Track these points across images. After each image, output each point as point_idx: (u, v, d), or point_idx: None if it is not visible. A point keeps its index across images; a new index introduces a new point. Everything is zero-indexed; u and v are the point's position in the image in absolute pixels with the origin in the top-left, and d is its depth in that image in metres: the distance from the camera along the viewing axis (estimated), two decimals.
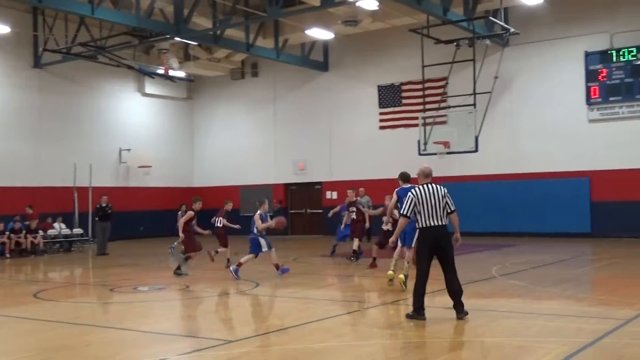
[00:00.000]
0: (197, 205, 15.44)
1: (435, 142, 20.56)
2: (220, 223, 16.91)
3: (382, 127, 27.14)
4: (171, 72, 26.58)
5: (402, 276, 11.64)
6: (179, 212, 21.15)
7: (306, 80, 28.97)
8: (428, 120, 21.24)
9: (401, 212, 9.14)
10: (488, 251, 18.83)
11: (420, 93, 22.61)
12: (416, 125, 21.96)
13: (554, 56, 23.63)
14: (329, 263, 17.57)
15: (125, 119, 29.45)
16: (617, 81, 22.47)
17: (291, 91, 29.62)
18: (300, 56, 27.55)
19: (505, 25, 21.53)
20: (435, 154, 20.65)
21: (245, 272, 14.41)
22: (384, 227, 14.65)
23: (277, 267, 14.42)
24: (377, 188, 25.52)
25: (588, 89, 22.92)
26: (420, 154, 21.02)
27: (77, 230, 24.70)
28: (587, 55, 22.92)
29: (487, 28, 22.85)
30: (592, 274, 14.92)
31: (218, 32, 23.58)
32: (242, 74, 30.81)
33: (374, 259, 15.31)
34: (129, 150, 28.93)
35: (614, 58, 22.51)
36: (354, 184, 24.95)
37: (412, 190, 9.02)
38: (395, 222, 12.11)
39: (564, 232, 22.75)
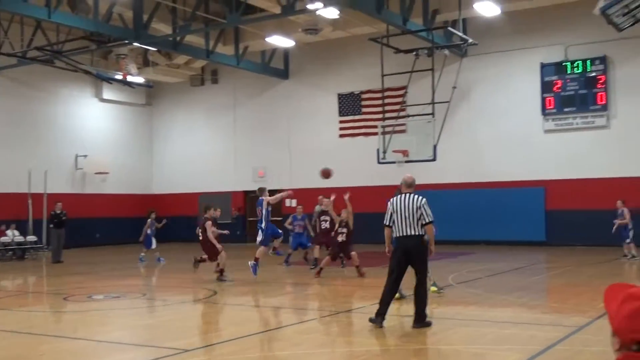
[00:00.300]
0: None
1: (394, 151, 20.69)
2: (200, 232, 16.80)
3: (342, 136, 27.25)
4: (129, 78, 26.31)
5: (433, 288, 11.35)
6: (149, 220, 20.85)
7: (266, 87, 28.95)
8: (387, 129, 21.38)
9: (384, 223, 9.12)
10: (445, 259, 18.99)
11: (379, 102, 22.76)
12: (376, 133, 22.10)
13: (511, 67, 24.03)
14: (288, 271, 17.54)
15: (82, 125, 29.02)
16: (572, 92, 22.94)
17: (251, 98, 29.56)
18: (260, 63, 27.52)
19: (464, 36, 21.82)
20: (394, 162, 20.79)
21: (205, 281, 14.29)
22: (339, 239, 14.82)
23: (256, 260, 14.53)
24: (337, 196, 25.60)
25: (543, 99, 23.36)
26: (379, 163, 21.15)
27: (31, 238, 24.18)
28: (543, 66, 23.36)
29: (446, 38, 23.14)
30: (546, 282, 15.17)
31: (178, 38, 23.43)
32: (201, 80, 30.64)
33: (321, 268, 15.21)
34: (85, 156, 28.49)
35: (569, 70, 22.99)
36: (313, 192, 24.97)
37: (390, 200, 9.09)
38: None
39: (520, 241, 23.10)
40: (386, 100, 22.37)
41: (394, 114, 22.68)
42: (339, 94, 27.22)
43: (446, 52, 22.02)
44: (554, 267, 17.62)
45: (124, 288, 14.13)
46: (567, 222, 22.80)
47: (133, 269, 18.95)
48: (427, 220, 8.86)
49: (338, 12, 20.36)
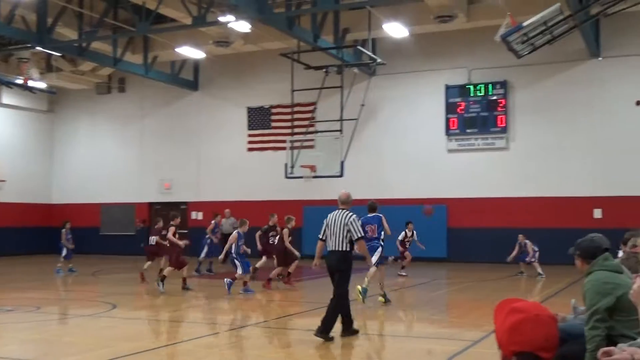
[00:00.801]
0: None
1: (302, 166, 20.77)
2: (153, 241, 16.51)
3: (250, 149, 27.16)
4: (31, 83, 25.36)
5: (359, 287, 12.13)
6: (63, 230, 20.09)
7: (175, 98, 28.53)
8: (296, 144, 21.47)
9: (318, 236, 9.36)
10: (354, 274, 19.16)
11: (289, 117, 22.85)
12: (284, 148, 22.13)
13: (417, 87, 24.66)
14: (195, 284, 17.23)
15: None
16: (474, 114, 23.76)
17: (159, 109, 29.05)
18: (169, 74, 27.12)
19: (373, 55, 22.25)
20: (301, 177, 20.88)
21: (105, 294, 13.84)
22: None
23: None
24: (245, 210, 25.46)
25: (447, 120, 24.08)
26: (287, 177, 21.19)
27: None
28: (448, 88, 24.10)
29: (356, 57, 23.52)
30: (446, 297, 15.56)
31: (84, 44, 22.78)
32: (108, 88, 29.87)
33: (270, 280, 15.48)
34: None
35: (472, 92, 23.83)
36: (220, 205, 24.75)
37: (328, 215, 9.25)
38: None
39: (423, 257, 23.55)
40: (295, 116, 22.49)
41: (303, 129, 22.82)
42: (248, 108, 27.15)
43: (355, 70, 22.40)
44: (454, 283, 18.12)
45: (18, 301, 13.51)
46: (467, 239, 23.51)
47: (29, 281, 18.17)
48: (356, 237, 9.04)
49: (250, 26, 20.37)
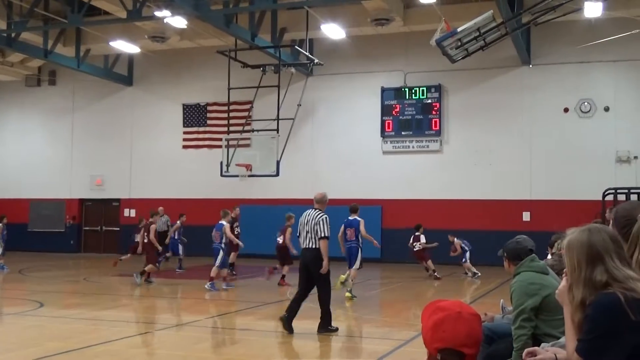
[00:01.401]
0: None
1: (237, 165, 20.61)
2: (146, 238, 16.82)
3: (185, 147, 26.82)
4: None
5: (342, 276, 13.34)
6: (0, 225, 19.42)
7: (108, 93, 27.93)
8: (232, 142, 21.29)
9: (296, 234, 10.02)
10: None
11: (225, 115, 22.64)
12: (220, 146, 21.92)
13: (354, 89, 24.85)
14: (123, 283, 16.93)
15: None
16: (409, 117, 24.10)
17: (91, 103, 28.38)
18: (103, 68, 26.51)
19: (310, 56, 22.29)
20: (237, 176, 20.73)
21: (33, 292, 13.46)
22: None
23: (211, 279, 14.69)
24: (178, 207, 25.15)
25: (383, 122, 24.34)
26: (222, 175, 20.99)
27: None
28: (384, 90, 24.36)
29: (293, 57, 23.52)
30: (379, 297, 15.74)
31: (13, 34, 22.06)
32: (38, 81, 29.00)
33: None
34: None
35: (407, 95, 24.16)
36: (154, 203, 24.37)
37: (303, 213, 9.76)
38: None
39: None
40: (232, 114, 22.30)
41: (239, 128, 22.66)
42: (184, 105, 26.81)
43: (292, 70, 22.37)
44: (387, 283, 18.35)
45: None
46: (400, 240, 23.79)
47: None
48: (320, 235, 9.44)
49: (186, 22, 20.13)
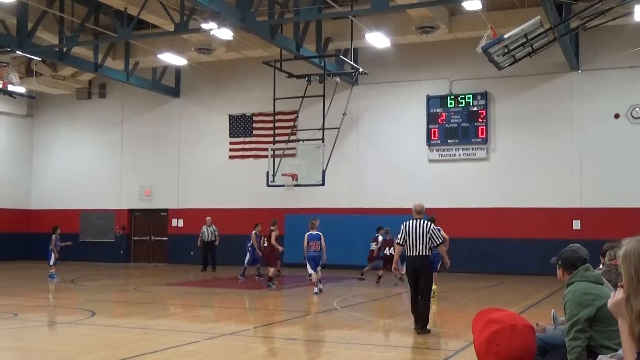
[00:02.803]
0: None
1: (283, 174, 20.75)
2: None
3: (231, 157, 27.08)
4: (10, 87, 25.07)
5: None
6: (54, 236, 19.89)
7: (156, 105, 28.40)
8: (277, 152, 21.46)
9: (395, 241, 11.06)
10: (330, 283, 19.17)
11: (270, 125, 22.83)
12: (266, 156, 22.10)
13: (399, 97, 24.76)
14: (172, 292, 17.14)
15: None
16: (455, 125, 23.90)
17: (140, 115, 28.90)
18: (151, 80, 27.00)
19: (355, 65, 22.33)
20: (283, 185, 20.85)
21: (84, 301, 13.69)
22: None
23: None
24: (225, 217, 25.39)
25: (429, 130, 24.18)
26: (268, 185, 21.16)
27: None
28: (429, 98, 24.22)
29: (338, 66, 23.58)
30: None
31: (64, 49, 22.63)
32: (88, 94, 29.67)
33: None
34: None
35: (453, 103, 23.97)
36: (201, 213, 24.68)
37: (404, 223, 10.59)
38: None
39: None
40: (277, 124, 22.47)
41: (285, 138, 22.81)
42: (230, 115, 27.09)
43: (337, 79, 22.45)
44: (433, 293, 18.11)
45: None
46: (449, 250, 23.55)
47: (6, 287, 17.95)
48: (437, 243, 10.56)
49: (232, 33, 20.35)
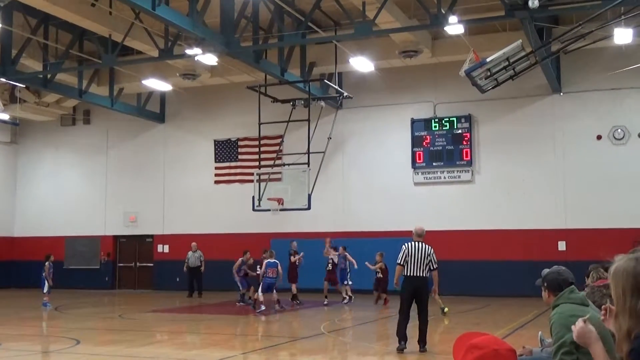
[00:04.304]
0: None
1: (269, 199, 20.76)
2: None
3: (217, 182, 27.03)
4: None
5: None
6: (47, 263, 19.67)
7: (141, 130, 28.36)
8: (263, 177, 21.48)
9: (397, 261, 11.21)
10: (316, 307, 19.10)
11: (256, 149, 22.86)
12: (251, 181, 22.12)
13: (384, 121, 24.87)
14: (158, 319, 16.99)
15: None
16: (440, 148, 24.02)
17: (125, 141, 28.83)
18: (136, 106, 26.98)
19: (339, 89, 22.47)
20: (269, 210, 20.85)
21: (69, 330, 13.54)
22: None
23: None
24: (212, 243, 25.28)
25: (414, 153, 24.29)
26: (254, 210, 21.14)
27: None
28: (413, 122, 24.35)
29: (322, 90, 23.70)
30: (413, 330, 15.50)
31: (48, 75, 22.60)
32: (73, 120, 29.58)
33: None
34: None
35: (437, 126, 24.12)
36: (187, 238, 24.56)
37: (405, 244, 11.15)
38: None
39: (390, 290, 23.47)
40: (263, 148, 22.51)
41: (270, 162, 22.86)
42: (215, 140, 27.08)
43: (322, 103, 22.58)
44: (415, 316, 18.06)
45: None
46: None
47: None
48: (434, 267, 11.12)
49: (216, 59, 20.45)
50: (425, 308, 11.04)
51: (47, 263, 19.75)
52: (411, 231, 24.48)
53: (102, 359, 10.93)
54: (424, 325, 10.98)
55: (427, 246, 11.07)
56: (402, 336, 10.84)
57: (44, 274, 19.65)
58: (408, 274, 10.95)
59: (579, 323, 3.00)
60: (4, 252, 29.00)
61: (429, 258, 10.95)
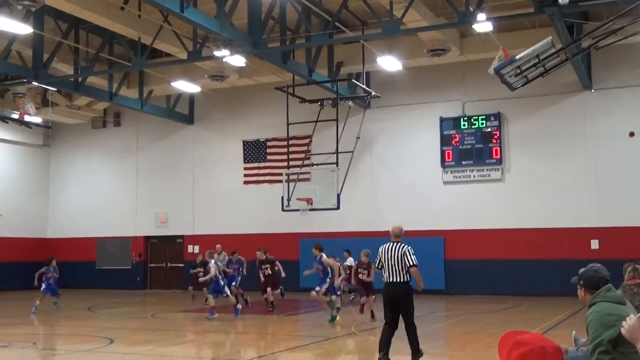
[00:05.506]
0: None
1: (298, 199, 20.76)
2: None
3: (246, 182, 27.17)
4: (27, 118, 25.42)
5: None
6: (51, 268, 19.43)
7: (171, 132, 28.61)
8: (292, 177, 21.50)
9: (375, 266, 9.97)
10: (346, 307, 19.06)
11: (284, 150, 22.92)
12: (280, 181, 22.17)
13: (412, 120, 24.80)
14: (188, 319, 17.12)
15: None
16: (469, 146, 23.87)
17: (155, 142, 29.11)
18: (165, 108, 27.23)
19: (367, 89, 22.42)
20: (298, 210, 20.87)
21: (101, 328, 13.71)
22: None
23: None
24: (241, 243, 25.40)
25: (443, 152, 24.17)
26: (283, 210, 21.17)
27: None
28: (442, 120, 24.24)
29: (350, 90, 23.69)
30: (444, 330, 15.48)
31: (79, 79, 22.90)
32: (103, 122, 29.96)
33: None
34: None
35: (466, 125, 23.96)
36: (217, 239, 24.69)
37: (381, 247, 9.79)
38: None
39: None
40: (291, 149, 22.54)
41: (299, 162, 22.86)
42: (244, 141, 27.22)
43: (350, 103, 22.54)
44: (452, 315, 18.03)
45: (13, 337, 13.38)
46: (464, 271, 23.47)
47: (23, 316, 18.00)
48: (410, 264, 9.46)
49: (245, 60, 20.53)
50: (407, 315, 9.55)
51: (43, 268, 19.16)
52: (441, 230, 24.50)
53: (136, 358, 11.05)
54: (412, 335, 9.58)
55: (402, 246, 9.61)
56: (381, 346, 9.41)
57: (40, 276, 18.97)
58: (385, 280, 9.64)
59: (631, 318, 2.96)
60: (37, 253, 29.40)
61: (404, 259, 9.46)
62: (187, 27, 19.71)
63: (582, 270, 5.09)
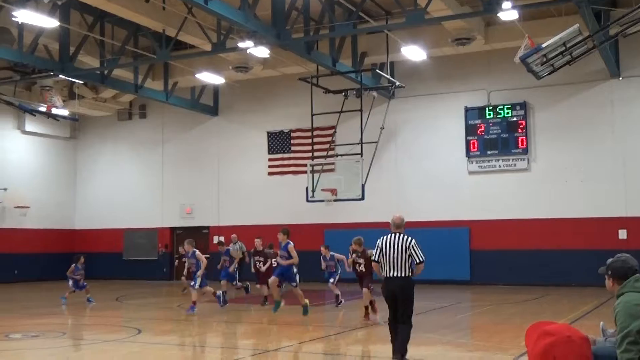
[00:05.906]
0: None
1: (323, 190, 20.82)
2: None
3: (270, 173, 27.26)
4: (54, 110, 25.71)
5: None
6: (79, 265, 19.60)
7: (195, 123, 28.78)
8: (316, 168, 21.53)
9: (372, 258, 9.21)
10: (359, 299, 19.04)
11: (309, 140, 22.94)
12: (305, 172, 22.21)
13: (437, 110, 24.67)
14: (215, 309, 17.24)
15: (3, 157, 28.11)
16: (494, 136, 23.69)
17: (180, 134, 29.31)
18: (189, 99, 27.38)
19: (391, 79, 22.34)
20: (322, 201, 20.91)
21: (129, 318, 13.88)
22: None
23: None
24: (266, 233, 25.47)
25: (468, 142, 24.02)
26: (308, 201, 21.23)
27: None
28: (467, 110, 24.08)
29: (374, 80, 23.63)
30: (470, 320, 15.44)
31: (105, 71, 23.10)
32: (129, 114, 30.22)
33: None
34: (5, 189, 27.53)
35: (492, 114, 23.78)
36: (242, 230, 24.82)
37: (380, 238, 9.02)
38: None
39: (446, 280, 23.42)
40: (315, 139, 22.56)
41: (323, 153, 22.88)
42: (268, 132, 27.29)
43: (374, 93, 22.48)
44: (477, 306, 17.97)
45: (44, 327, 13.60)
46: (489, 262, 23.36)
47: (52, 307, 18.28)
48: (418, 261, 8.80)
49: (268, 51, 20.56)
50: (405, 311, 8.78)
51: (72, 265, 19.31)
52: (466, 220, 24.40)
53: (163, 348, 11.17)
54: (404, 334, 8.69)
55: (406, 238, 8.87)
56: (394, 348, 8.77)
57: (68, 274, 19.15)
58: (384, 275, 8.92)
59: None
60: (65, 244, 29.86)
61: (408, 252, 8.75)
62: (211, 19, 19.78)
63: (610, 260, 5.05)
